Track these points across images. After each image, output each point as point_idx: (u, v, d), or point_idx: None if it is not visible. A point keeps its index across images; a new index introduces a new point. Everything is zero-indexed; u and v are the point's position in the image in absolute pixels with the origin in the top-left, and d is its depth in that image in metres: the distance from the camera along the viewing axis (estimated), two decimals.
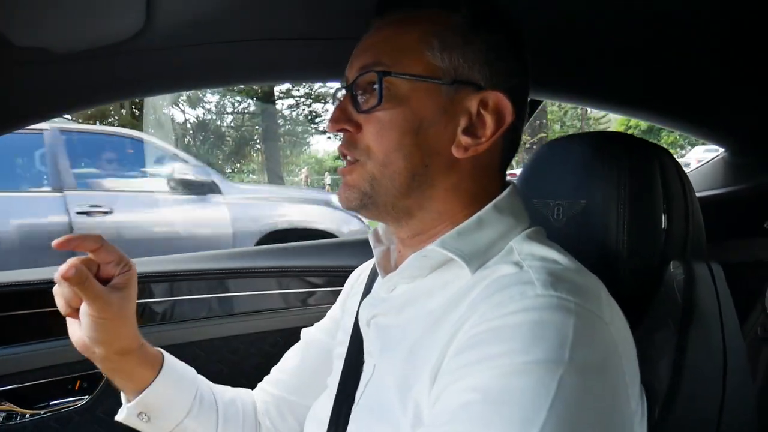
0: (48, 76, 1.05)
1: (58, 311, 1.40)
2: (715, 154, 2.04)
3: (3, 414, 1.36)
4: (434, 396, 0.65)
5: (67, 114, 1.36)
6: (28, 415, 1.38)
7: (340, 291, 1.10)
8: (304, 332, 1.11)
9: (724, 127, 1.87)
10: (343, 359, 0.93)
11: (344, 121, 0.77)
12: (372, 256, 0.94)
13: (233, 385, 1.53)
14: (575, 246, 0.83)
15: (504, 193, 0.79)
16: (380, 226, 0.92)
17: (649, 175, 0.94)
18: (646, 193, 0.93)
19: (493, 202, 0.77)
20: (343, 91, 0.81)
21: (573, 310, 0.61)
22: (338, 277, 1.65)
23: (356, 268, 1.09)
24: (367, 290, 0.96)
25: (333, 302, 1.12)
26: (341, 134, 0.79)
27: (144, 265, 1.59)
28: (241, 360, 1.59)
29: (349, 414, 0.84)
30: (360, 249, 1.70)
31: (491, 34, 0.75)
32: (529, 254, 0.72)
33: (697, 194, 1.00)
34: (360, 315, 0.88)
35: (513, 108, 0.75)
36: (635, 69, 1.49)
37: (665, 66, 1.46)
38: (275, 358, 1.57)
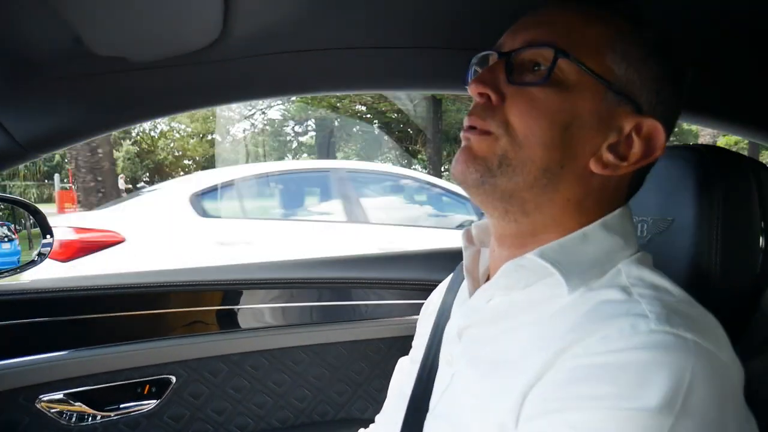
0: (126, 84, 1.08)
1: (131, 316, 1.47)
2: None
3: (75, 414, 1.39)
4: (525, 418, 0.62)
5: (145, 121, 1.38)
6: (99, 417, 1.41)
7: (414, 304, 1.08)
8: (401, 362, 1.08)
9: None
10: (418, 364, 0.91)
11: (491, 85, 0.71)
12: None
13: (297, 395, 1.56)
14: (660, 267, 0.78)
15: (615, 212, 0.73)
16: (474, 226, 0.88)
17: (746, 191, 0.88)
18: (742, 211, 0.87)
19: (603, 219, 0.72)
20: (493, 57, 0.75)
21: (692, 349, 0.57)
22: (414, 291, 1.66)
23: (431, 281, 1.07)
24: (449, 298, 0.93)
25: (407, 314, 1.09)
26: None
27: (223, 272, 1.62)
28: (304, 370, 1.59)
29: (422, 422, 0.81)
30: (441, 262, 1.68)
31: (668, 63, 0.72)
32: (639, 278, 0.67)
33: None
34: (449, 325, 0.85)
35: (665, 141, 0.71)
36: (733, 76, 1.40)
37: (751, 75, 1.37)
38: (339, 370, 1.60)
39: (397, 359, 1.09)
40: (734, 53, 1.21)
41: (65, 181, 24.34)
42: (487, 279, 0.82)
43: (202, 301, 1.56)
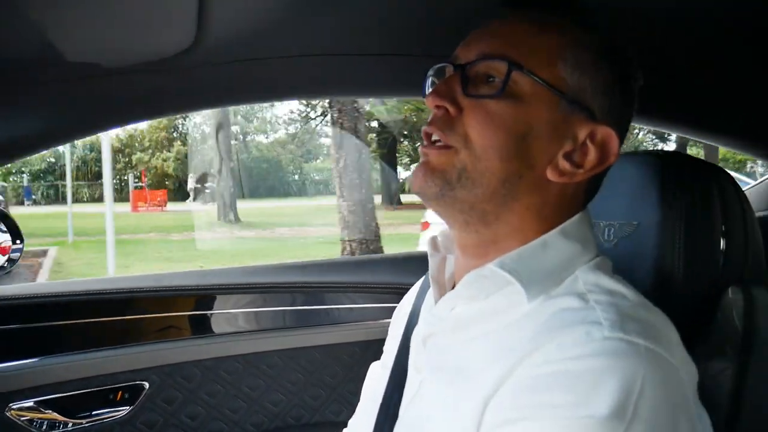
0: (100, 90, 1.08)
1: (103, 322, 1.46)
2: None
3: (46, 422, 1.37)
4: (486, 427, 0.63)
5: (118, 127, 1.38)
6: (70, 424, 1.39)
7: (387, 307, 1.09)
8: (373, 366, 1.09)
9: None
10: (389, 370, 0.92)
11: (448, 98, 0.72)
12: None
13: (271, 399, 1.57)
14: (626, 268, 0.80)
15: (574, 218, 0.74)
16: (440, 233, 0.88)
17: (707, 196, 0.91)
18: (703, 215, 0.90)
19: (561, 226, 0.73)
20: (449, 69, 0.76)
21: (643, 355, 0.59)
22: (388, 294, 1.67)
23: (405, 284, 1.08)
24: (418, 303, 0.94)
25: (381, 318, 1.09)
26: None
27: (192, 277, 1.62)
28: (279, 374, 1.59)
29: (392, 428, 0.83)
30: (414, 266, 1.69)
31: (619, 68, 0.73)
32: (596, 285, 0.68)
33: (756, 214, 0.96)
34: (416, 332, 0.86)
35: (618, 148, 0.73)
36: (685, 83, 1.45)
37: (718, 80, 1.43)
38: (313, 374, 1.61)
39: (371, 362, 1.09)
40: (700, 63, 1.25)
41: (137, 181, 24.40)
42: (453, 286, 0.83)
43: (175, 307, 1.55)
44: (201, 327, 1.58)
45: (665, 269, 0.89)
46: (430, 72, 0.81)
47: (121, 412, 1.44)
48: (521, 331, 0.67)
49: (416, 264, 1.70)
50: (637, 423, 0.56)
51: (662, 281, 0.89)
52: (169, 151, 27.14)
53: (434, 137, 0.73)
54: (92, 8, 0.86)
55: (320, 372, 1.63)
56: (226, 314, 1.60)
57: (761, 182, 2.00)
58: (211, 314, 1.59)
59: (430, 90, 0.75)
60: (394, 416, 0.83)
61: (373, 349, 1.05)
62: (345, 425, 1.09)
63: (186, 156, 24.94)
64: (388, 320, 1.41)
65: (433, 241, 0.88)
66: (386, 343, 1.03)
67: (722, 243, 0.90)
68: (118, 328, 1.48)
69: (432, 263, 0.86)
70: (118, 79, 1.06)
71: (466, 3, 0.92)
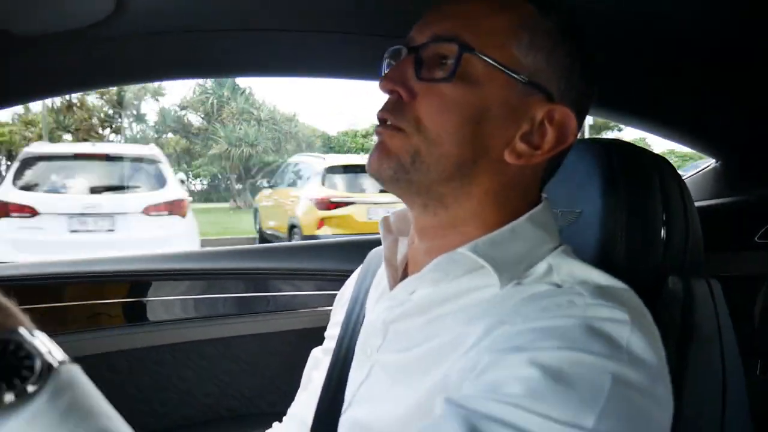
0: (6, 60, 1.00)
1: (24, 309, 1.36)
2: None
3: None
4: (472, 367, 0.62)
5: (31, 101, 1.28)
6: None
7: (326, 294, 1.05)
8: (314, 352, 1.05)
9: (718, 139, 1.89)
10: (333, 355, 0.89)
11: (400, 83, 0.71)
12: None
13: (203, 390, 1.52)
14: None
15: (540, 206, 0.75)
16: (393, 214, 0.87)
17: (649, 185, 0.92)
18: (645, 204, 0.91)
19: (529, 214, 0.73)
20: (404, 51, 0.74)
21: (627, 321, 0.60)
22: (326, 281, 1.64)
23: (344, 271, 1.05)
24: (362, 288, 0.92)
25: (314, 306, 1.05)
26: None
27: (130, 262, 1.56)
28: (213, 365, 1.55)
29: (336, 413, 0.80)
30: (354, 252, 1.68)
31: (575, 48, 0.73)
32: (569, 274, 0.69)
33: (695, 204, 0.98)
34: (372, 316, 0.83)
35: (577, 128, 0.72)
36: (631, 77, 1.48)
37: (661, 77, 1.46)
38: (249, 364, 1.57)
39: (309, 351, 1.06)
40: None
41: None
42: (405, 268, 0.82)
43: (104, 293, 1.48)
44: (129, 315, 1.52)
45: (607, 258, 0.89)
46: (387, 54, 0.79)
47: None
48: (492, 307, 0.67)
49: (356, 250, 1.68)
50: (633, 366, 0.57)
51: (605, 269, 0.88)
52: None
53: (388, 121, 0.72)
54: None
55: (256, 362, 1.59)
56: (157, 302, 1.53)
57: (699, 172, 2.05)
58: (141, 302, 1.53)
59: (384, 74, 0.73)
60: (339, 401, 0.81)
61: (312, 337, 1.02)
62: (280, 416, 1.05)
63: None
64: (326, 308, 1.38)
65: (386, 221, 0.86)
66: (329, 328, 1.01)
67: (663, 232, 0.91)
68: (37, 316, 1.40)
69: (385, 245, 0.84)
70: (30, 48, 0.98)
71: None
